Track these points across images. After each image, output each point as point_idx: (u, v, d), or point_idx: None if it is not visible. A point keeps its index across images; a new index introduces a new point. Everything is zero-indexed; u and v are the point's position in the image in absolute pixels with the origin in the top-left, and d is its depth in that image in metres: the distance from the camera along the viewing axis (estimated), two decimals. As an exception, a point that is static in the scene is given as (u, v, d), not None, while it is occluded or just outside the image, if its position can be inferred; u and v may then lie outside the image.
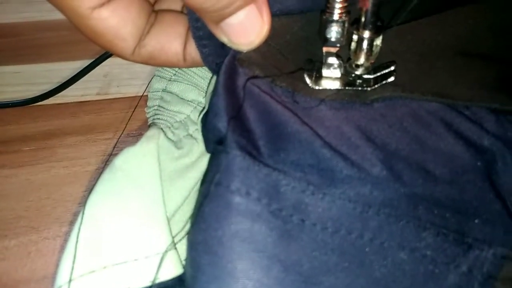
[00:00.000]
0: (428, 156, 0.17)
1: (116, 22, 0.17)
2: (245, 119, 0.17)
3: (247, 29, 0.17)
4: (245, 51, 0.19)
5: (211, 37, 0.20)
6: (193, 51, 0.20)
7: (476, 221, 0.17)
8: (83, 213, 0.18)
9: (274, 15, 0.20)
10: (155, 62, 0.20)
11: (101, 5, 0.17)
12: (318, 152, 0.16)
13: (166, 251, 0.17)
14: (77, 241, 0.18)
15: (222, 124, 0.16)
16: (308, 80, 0.20)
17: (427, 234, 0.16)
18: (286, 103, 0.18)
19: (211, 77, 0.22)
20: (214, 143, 0.17)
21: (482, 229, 0.17)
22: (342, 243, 0.16)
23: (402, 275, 0.16)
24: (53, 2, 0.17)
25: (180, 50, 0.20)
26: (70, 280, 0.17)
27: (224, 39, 0.18)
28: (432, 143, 0.17)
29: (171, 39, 0.19)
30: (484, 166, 0.17)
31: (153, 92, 0.24)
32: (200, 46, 0.20)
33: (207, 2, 0.16)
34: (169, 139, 0.21)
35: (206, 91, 0.22)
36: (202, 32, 0.20)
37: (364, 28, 0.19)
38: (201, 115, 0.20)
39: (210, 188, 0.16)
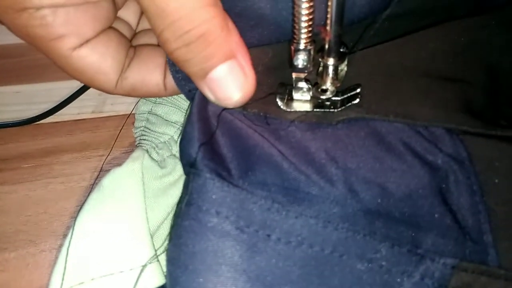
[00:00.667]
0: (386, 174, 0.19)
1: (96, 58, 0.19)
2: (217, 144, 0.18)
3: (230, 83, 0.18)
4: (229, 107, 0.19)
5: None
6: (172, 80, 0.21)
7: (429, 233, 0.18)
8: (73, 229, 0.20)
9: (251, 45, 0.22)
10: (138, 94, 0.21)
11: (81, 45, 0.18)
12: (284, 172, 0.18)
13: (147, 264, 0.19)
14: (67, 255, 0.19)
15: (194, 150, 0.18)
16: (280, 103, 0.22)
17: (382, 246, 0.18)
18: (257, 127, 0.19)
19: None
20: (188, 167, 0.19)
21: (434, 241, 0.18)
22: (304, 256, 0.17)
23: (360, 284, 0.17)
24: (34, 44, 0.18)
25: (161, 80, 0.21)
26: (61, 291, 0.19)
27: (210, 96, 0.19)
28: (391, 162, 0.19)
29: (151, 70, 0.21)
30: (437, 183, 0.19)
31: (140, 114, 0.25)
32: (173, 72, 0.22)
33: (189, 53, 0.17)
34: (153, 159, 0.23)
35: (186, 114, 0.24)
36: None
37: (329, 56, 0.20)
38: (179, 139, 0.21)
39: (184, 209, 0.17)
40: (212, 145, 0.18)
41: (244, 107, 0.20)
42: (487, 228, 0.18)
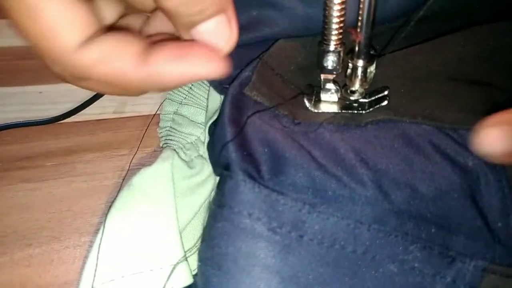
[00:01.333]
0: (416, 176, 0.19)
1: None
2: (249, 146, 0.19)
3: (216, 36, 0.17)
4: None
5: None
6: None
7: (459, 235, 0.18)
8: (103, 227, 0.20)
9: (271, 37, 0.22)
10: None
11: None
12: (314, 174, 0.18)
13: (177, 263, 0.19)
14: (98, 252, 0.20)
15: (227, 152, 0.18)
16: (307, 104, 0.22)
17: (414, 247, 0.18)
18: (286, 129, 0.19)
19: (208, 92, 0.24)
20: (221, 168, 0.19)
21: (464, 244, 0.18)
22: (337, 257, 0.17)
23: (392, 285, 0.17)
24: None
25: None
26: (91, 288, 0.19)
27: None
28: (421, 164, 0.19)
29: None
30: (468, 185, 0.19)
31: (165, 114, 0.26)
32: None
33: (181, 6, 0.16)
34: (182, 159, 0.23)
35: (206, 109, 0.24)
36: None
37: (358, 58, 0.20)
38: (206, 141, 0.22)
39: (217, 210, 0.18)
40: (244, 147, 0.18)
41: (275, 108, 0.20)
42: (517, 231, 0.18)
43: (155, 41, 0.18)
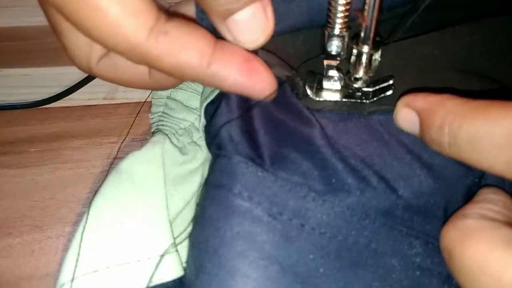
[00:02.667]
0: (422, 169, 0.18)
1: None
2: (252, 128, 0.18)
3: (252, 26, 0.17)
4: (249, 49, 0.18)
5: None
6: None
7: None
8: (87, 214, 0.19)
9: (281, 32, 0.21)
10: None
11: None
12: (321, 159, 0.17)
13: (165, 253, 0.18)
14: (81, 241, 0.18)
15: (232, 131, 0.17)
16: (309, 91, 0.21)
17: (417, 243, 0.17)
18: (292, 114, 0.18)
19: None
20: (218, 148, 0.18)
21: None
22: (339, 248, 0.17)
23: (392, 280, 0.17)
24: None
25: None
26: (72, 279, 0.18)
27: (229, 37, 0.18)
28: (427, 157, 0.18)
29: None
30: (474, 181, 0.18)
31: (158, 98, 0.24)
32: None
33: None
34: (174, 145, 0.21)
35: (201, 94, 0.23)
36: None
37: (364, 43, 0.19)
38: (201, 123, 0.20)
39: (213, 190, 0.16)
40: (246, 128, 0.17)
41: (288, 77, 0.19)
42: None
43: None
